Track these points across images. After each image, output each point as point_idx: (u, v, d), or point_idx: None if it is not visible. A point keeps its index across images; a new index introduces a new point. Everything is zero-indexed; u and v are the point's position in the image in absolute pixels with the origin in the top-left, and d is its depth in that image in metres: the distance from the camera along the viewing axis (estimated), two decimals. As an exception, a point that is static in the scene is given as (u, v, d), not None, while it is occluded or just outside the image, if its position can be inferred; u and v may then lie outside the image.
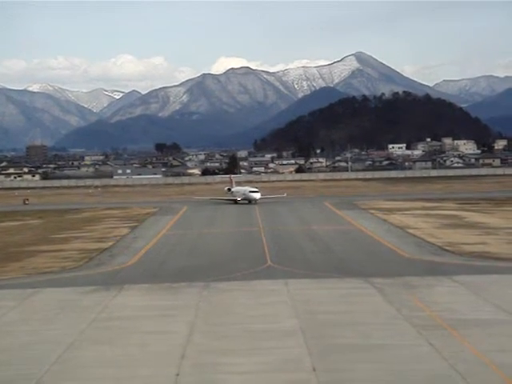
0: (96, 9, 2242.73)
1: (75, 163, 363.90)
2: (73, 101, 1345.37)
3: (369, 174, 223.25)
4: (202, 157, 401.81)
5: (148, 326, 34.03)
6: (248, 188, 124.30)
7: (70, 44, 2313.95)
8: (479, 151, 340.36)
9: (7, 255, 63.52)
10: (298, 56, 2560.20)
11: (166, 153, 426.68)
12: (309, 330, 32.21)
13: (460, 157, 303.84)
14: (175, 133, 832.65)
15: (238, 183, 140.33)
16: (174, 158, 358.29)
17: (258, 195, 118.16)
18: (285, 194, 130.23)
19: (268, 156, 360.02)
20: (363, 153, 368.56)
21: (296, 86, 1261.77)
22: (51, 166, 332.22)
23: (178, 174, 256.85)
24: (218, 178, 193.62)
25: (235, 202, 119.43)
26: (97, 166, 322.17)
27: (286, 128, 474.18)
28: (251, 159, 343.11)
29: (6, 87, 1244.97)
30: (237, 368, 27.15)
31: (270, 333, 31.98)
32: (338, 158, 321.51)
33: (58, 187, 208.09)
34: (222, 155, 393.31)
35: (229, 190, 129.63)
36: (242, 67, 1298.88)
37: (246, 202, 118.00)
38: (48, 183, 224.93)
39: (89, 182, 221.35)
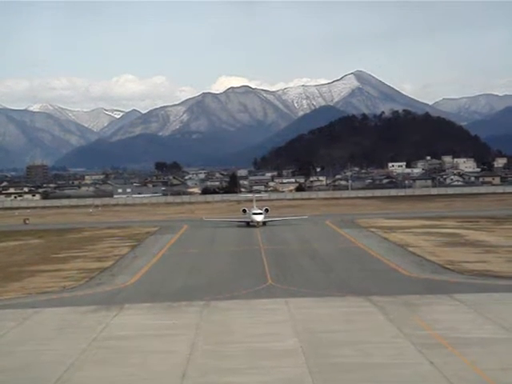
0: (99, 29, 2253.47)
1: (75, 182, 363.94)
2: (73, 120, 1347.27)
3: (369, 193, 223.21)
4: (202, 176, 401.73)
5: (149, 346, 33.96)
6: (253, 209, 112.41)
7: (71, 64, 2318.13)
8: (479, 169, 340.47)
9: (8, 275, 63.47)
10: (298, 75, 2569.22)
11: (166, 172, 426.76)
12: (310, 348, 32.17)
13: (460, 175, 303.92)
14: (175, 152, 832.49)
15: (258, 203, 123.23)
16: (174, 177, 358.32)
17: (260, 217, 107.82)
18: (307, 216, 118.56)
19: (268, 174, 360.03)
20: (363, 171, 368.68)
21: (296, 105, 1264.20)
22: (51, 185, 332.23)
23: (178, 193, 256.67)
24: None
25: (247, 224, 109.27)
26: (97, 186, 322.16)
27: (285, 147, 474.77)
28: (251, 178, 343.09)
29: (6, 107, 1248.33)
30: (238, 387, 27.12)
31: (270, 352, 31.93)
32: (338, 176, 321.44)
33: (58, 207, 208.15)
34: (222, 174, 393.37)
35: (244, 211, 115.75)
36: (241, 86, 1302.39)
37: (261, 224, 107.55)
38: (48, 203, 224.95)
39: (89, 201, 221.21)
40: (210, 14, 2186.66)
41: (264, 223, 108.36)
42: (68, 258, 75.02)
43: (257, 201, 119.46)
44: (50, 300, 48.92)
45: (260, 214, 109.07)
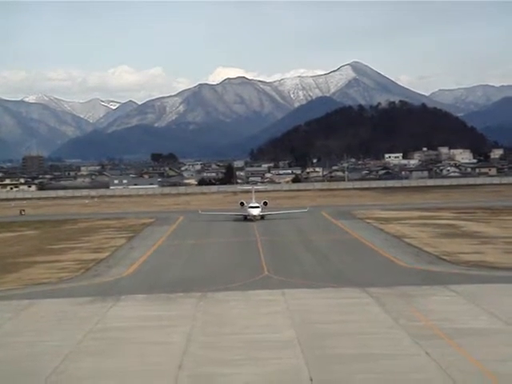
0: (96, 20, 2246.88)
1: (71, 174, 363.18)
2: (69, 111, 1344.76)
3: (365, 184, 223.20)
4: (198, 167, 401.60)
5: (145, 337, 33.95)
6: (250, 203, 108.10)
7: (67, 55, 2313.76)
8: (475, 160, 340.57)
9: (4, 266, 63.41)
10: (295, 66, 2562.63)
11: (162, 163, 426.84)
12: (306, 340, 32.18)
13: (456, 166, 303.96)
14: (171, 143, 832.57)
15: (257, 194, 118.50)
16: (170, 168, 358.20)
17: (256, 211, 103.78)
18: (307, 209, 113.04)
19: (264, 166, 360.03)
20: (360, 162, 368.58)
21: (292, 96, 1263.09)
22: (47, 176, 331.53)
23: (174, 184, 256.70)
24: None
25: (245, 217, 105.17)
26: (93, 177, 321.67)
27: (282, 138, 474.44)
28: (248, 169, 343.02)
29: (2, 98, 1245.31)
30: (234, 378, 27.11)
31: (267, 343, 31.93)
32: (334, 167, 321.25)
33: (54, 198, 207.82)
34: (218, 165, 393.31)
35: (242, 204, 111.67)
36: (238, 77, 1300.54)
37: (259, 217, 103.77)
38: (44, 194, 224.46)
39: (85, 192, 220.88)
40: (206, 5, 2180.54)
41: (262, 217, 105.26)
42: (64, 249, 74.98)
43: (255, 192, 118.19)
44: (46, 291, 48.89)
45: (257, 207, 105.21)
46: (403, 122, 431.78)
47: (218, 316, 38.34)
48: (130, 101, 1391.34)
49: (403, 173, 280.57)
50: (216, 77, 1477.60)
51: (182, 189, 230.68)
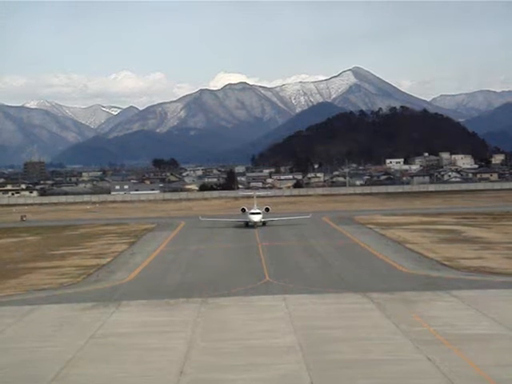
0: (97, 26, 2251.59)
1: (73, 179, 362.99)
2: (70, 117, 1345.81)
3: (367, 189, 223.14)
4: (199, 172, 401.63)
5: (146, 343, 33.96)
6: (251, 209, 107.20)
7: (69, 61, 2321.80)
8: (477, 166, 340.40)
9: (5, 272, 63.41)
10: (296, 71, 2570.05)
11: (163, 168, 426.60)
12: (307, 345, 32.17)
13: (457, 171, 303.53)
14: (173, 148, 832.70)
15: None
16: (171, 174, 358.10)
17: (257, 218, 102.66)
18: (310, 215, 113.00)
19: (266, 171, 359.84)
20: (361, 168, 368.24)
21: (293, 102, 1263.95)
22: (49, 182, 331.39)
23: (175, 190, 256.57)
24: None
25: (246, 224, 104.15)
26: (94, 182, 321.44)
27: (283, 143, 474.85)
28: (249, 174, 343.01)
29: (3, 104, 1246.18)
30: (235, 384, 27.13)
31: (268, 349, 31.94)
32: (335, 172, 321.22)
33: (55, 203, 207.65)
34: (219, 170, 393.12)
35: (243, 210, 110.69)
36: (239, 82, 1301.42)
37: (260, 224, 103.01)
38: (46, 199, 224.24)
39: (86, 197, 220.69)
40: (208, 10, 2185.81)
41: (264, 223, 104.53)
42: (65, 255, 74.97)
43: (256, 197, 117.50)
44: (47, 297, 48.88)
45: (258, 213, 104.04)
46: (404, 127, 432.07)
47: (219, 322, 38.34)
48: (132, 106, 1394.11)
49: (404, 178, 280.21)
50: (217, 82, 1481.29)
51: (183, 194, 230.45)
